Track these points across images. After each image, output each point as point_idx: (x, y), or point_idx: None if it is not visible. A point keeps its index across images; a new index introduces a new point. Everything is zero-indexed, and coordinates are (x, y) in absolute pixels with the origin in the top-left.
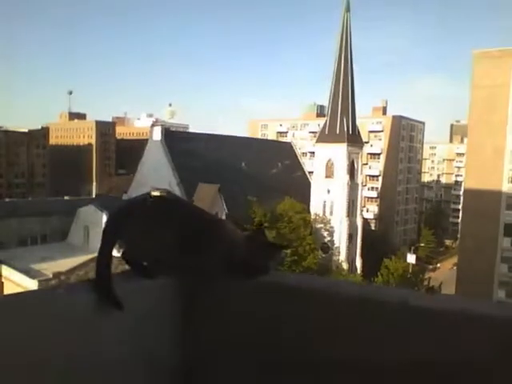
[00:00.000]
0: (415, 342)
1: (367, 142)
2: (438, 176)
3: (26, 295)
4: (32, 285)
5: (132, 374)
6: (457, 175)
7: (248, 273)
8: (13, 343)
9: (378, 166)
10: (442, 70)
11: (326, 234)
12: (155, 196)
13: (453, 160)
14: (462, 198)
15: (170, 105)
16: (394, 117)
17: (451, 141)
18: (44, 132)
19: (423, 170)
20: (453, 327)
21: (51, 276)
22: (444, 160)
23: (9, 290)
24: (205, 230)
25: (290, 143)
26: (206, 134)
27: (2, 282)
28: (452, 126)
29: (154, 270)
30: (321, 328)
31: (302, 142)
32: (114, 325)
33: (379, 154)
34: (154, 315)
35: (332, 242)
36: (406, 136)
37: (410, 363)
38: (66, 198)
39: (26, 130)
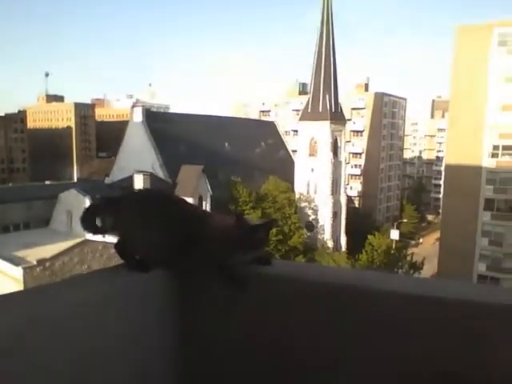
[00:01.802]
0: (414, 333)
1: (350, 120)
2: (420, 152)
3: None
4: (16, 272)
5: (129, 366)
6: (438, 151)
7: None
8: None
9: (360, 144)
10: (425, 45)
11: (310, 212)
12: (148, 189)
13: (434, 136)
14: (443, 173)
15: (150, 85)
16: (376, 93)
17: (432, 116)
18: (21, 116)
19: (405, 147)
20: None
21: (35, 263)
22: (425, 136)
23: None
24: (196, 224)
25: (273, 122)
26: (188, 114)
27: None
28: (433, 101)
29: (147, 263)
30: (315, 317)
31: (285, 120)
32: (108, 319)
33: (362, 132)
34: (148, 308)
35: (317, 220)
36: (388, 113)
37: (409, 354)
38: (47, 182)
39: (3, 114)
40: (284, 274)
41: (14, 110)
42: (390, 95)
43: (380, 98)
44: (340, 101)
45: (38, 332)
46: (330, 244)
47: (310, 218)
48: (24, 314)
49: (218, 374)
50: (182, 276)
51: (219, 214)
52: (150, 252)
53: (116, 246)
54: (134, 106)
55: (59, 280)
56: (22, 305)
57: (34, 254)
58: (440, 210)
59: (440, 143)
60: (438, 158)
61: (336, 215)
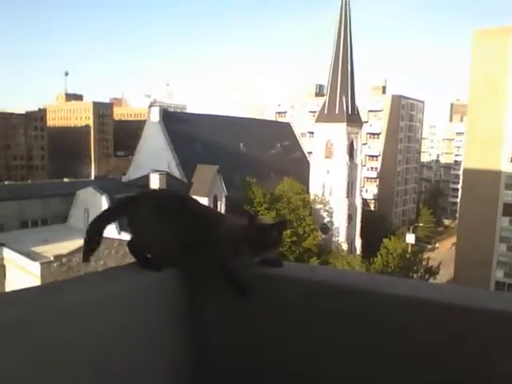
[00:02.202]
0: (424, 338)
1: (366, 122)
2: (438, 156)
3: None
4: (34, 268)
5: (138, 364)
6: (456, 155)
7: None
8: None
9: (377, 146)
10: (444, 48)
11: (325, 214)
12: (163, 190)
13: (452, 139)
14: (461, 177)
15: (168, 85)
16: (393, 96)
17: (451, 120)
18: (41, 114)
19: (422, 150)
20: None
21: (52, 258)
22: (443, 139)
23: (11, 272)
24: (210, 226)
25: (288, 123)
26: (204, 114)
27: (4, 265)
28: (452, 104)
29: (159, 263)
30: (326, 321)
31: (301, 121)
32: (119, 316)
33: (379, 134)
34: (159, 307)
35: (331, 222)
36: (405, 115)
37: (419, 359)
38: (65, 180)
39: (24, 112)
40: (295, 275)
41: (34, 108)
42: (407, 98)
43: (397, 100)
44: (357, 103)
45: (50, 327)
46: (345, 247)
47: (325, 220)
48: (38, 309)
49: (228, 373)
50: (193, 276)
51: (233, 215)
52: (162, 251)
53: (129, 244)
54: (151, 106)
55: (74, 276)
56: (36, 299)
57: (51, 250)
58: (457, 215)
59: (458, 147)
60: (456, 161)
61: (351, 218)
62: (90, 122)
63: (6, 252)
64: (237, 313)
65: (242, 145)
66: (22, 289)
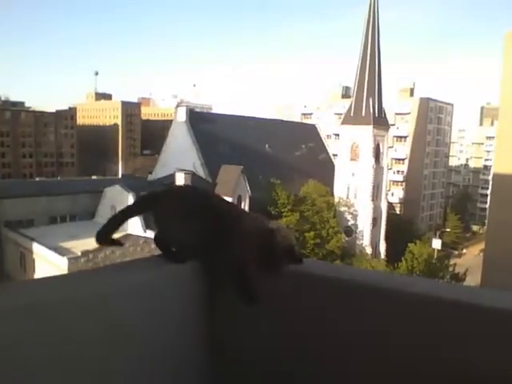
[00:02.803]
0: (441, 335)
1: (393, 125)
2: (467, 160)
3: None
4: (62, 262)
5: (160, 354)
6: (486, 159)
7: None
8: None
9: (404, 149)
10: (474, 49)
11: (349, 217)
12: (189, 185)
13: (482, 144)
14: (490, 182)
15: (195, 85)
16: (421, 99)
17: (481, 124)
18: (71, 112)
19: (451, 154)
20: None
21: (80, 254)
22: (473, 144)
23: (40, 266)
24: (233, 223)
25: (314, 125)
26: (230, 114)
27: (34, 259)
28: (482, 108)
29: (182, 256)
30: (349, 320)
31: (326, 123)
32: (143, 306)
33: (406, 137)
34: (180, 299)
35: (356, 225)
36: (433, 118)
37: (440, 356)
38: (93, 177)
39: (54, 111)
40: (314, 272)
41: (64, 106)
42: (435, 100)
43: (425, 103)
44: (384, 105)
45: (70, 317)
46: (369, 250)
47: (349, 223)
48: (59, 297)
49: (246, 372)
50: (214, 271)
51: (259, 215)
52: (186, 245)
53: (155, 238)
54: (178, 106)
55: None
56: (58, 288)
57: (78, 246)
58: (486, 221)
59: (488, 151)
60: (485, 166)
61: (376, 221)
62: (119, 121)
63: (36, 246)
64: (255, 310)
65: (267, 146)
66: (44, 277)
